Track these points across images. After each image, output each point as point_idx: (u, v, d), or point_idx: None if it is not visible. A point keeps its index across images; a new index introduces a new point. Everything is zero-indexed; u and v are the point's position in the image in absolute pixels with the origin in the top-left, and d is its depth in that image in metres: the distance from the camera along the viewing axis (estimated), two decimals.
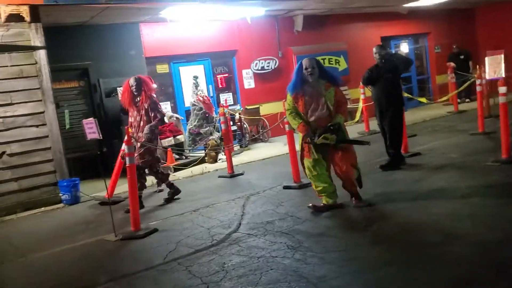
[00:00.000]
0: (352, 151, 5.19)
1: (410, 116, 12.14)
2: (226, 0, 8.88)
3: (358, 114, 11.20)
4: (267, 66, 12.06)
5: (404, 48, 15.15)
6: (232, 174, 7.90)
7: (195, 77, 10.10)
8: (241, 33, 11.51)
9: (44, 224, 6.27)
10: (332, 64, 13.01)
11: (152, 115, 6.30)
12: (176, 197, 6.65)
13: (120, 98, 6.72)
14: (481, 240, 3.84)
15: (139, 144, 6.17)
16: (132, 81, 6.34)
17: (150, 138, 6.25)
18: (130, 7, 8.11)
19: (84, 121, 5.31)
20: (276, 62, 12.15)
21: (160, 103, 9.51)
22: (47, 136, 7.13)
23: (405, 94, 9.09)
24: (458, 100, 12.72)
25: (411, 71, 15.10)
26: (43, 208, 7.02)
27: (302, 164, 5.32)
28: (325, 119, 4.99)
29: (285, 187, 6.57)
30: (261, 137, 11.27)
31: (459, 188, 5.42)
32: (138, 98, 6.34)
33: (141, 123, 6.31)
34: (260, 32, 11.76)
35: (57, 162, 7.18)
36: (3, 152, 6.89)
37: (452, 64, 13.33)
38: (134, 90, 6.31)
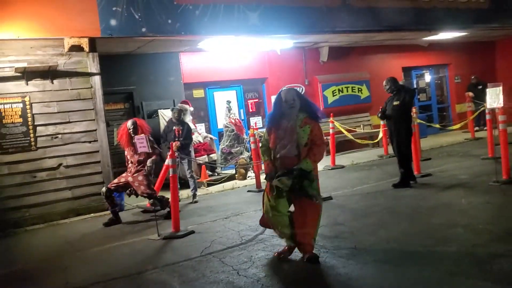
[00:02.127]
0: (315, 207, 4.48)
1: (429, 142, 12.82)
2: (258, 34, 9.84)
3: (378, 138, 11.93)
4: None
5: (427, 78, 15.88)
6: (260, 189, 8.70)
7: (228, 102, 11.06)
8: (271, 62, 12.48)
9: (95, 227, 7.18)
10: (355, 92, 13.82)
11: (151, 151, 6.97)
12: (208, 206, 7.50)
13: (118, 139, 7.44)
14: (469, 243, 4.55)
15: (140, 177, 7.03)
16: (129, 124, 7.13)
17: (151, 170, 7.13)
18: (173, 39, 9.17)
19: (136, 137, 6.31)
20: (302, 89, 13.02)
21: (196, 125, 10.54)
22: (97, 151, 8.14)
23: (420, 121, 9.83)
24: (476, 128, 13.31)
25: (432, 99, 15.82)
26: (92, 214, 7.97)
27: (263, 198, 4.77)
28: (291, 160, 4.43)
29: None
30: None
31: (460, 204, 6.12)
32: (135, 140, 6.91)
33: (136, 160, 7.11)
34: (289, 61, 12.71)
35: (105, 174, 8.15)
36: (60, 164, 7.90)
37: (470, 93, 13.98)
38: (131, 131, 7.08)
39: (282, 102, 4.50)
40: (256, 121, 12.22)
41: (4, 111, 7.54)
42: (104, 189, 7.14)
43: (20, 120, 7.63)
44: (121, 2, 8.06)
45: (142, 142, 6.30)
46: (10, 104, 7.58)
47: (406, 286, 3.78)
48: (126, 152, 7.30)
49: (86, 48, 7.93)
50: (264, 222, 4.97)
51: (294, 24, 10.13)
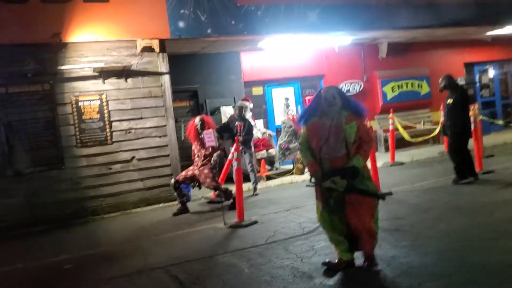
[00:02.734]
0: (369, 202, 4.22)
1: (492, 139, 12.53)
2: (317, 31, 10.06)
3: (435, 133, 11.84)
4: (353, 89, 13.03)
5: (490, 73, 15.42)
6: None
7: (286, 99, 11.36)
8: (329, 59, 12.64)
9: (165, 215, 7.72)
10: (414, 88, 13.71)
11: (217, 146, 7.49)
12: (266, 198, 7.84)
13: (186, 134, 8.00)
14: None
15: (206, 170, 7.45)
16: (197, 120, 7.61)
17: (216, 163, 7.53)
18: (235, 40, 9.58)
19: (205, 131, 6.78)
20: (361, 85, 13.09)
21: (255, 121, 10.91)
22: (167, 145, 8.70)
23: (482, 117, 9.70)
24: None
25: (495, 95, 15.36)
26: (161, 204, 8.54)
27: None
28: (341, 160, 4.15)
29: None
30: None
31: None
32: (202, 135, 7.48)
33: (203, 154, 7.54)
34: (346, 58, 12.81)
35: (174, 167, 8.69)
36: (133, 157, 8.52)
37: None
38: (198, 128, 7.55)
39: (321, 100, 4.27)
40: None
41: (84, 108, 8.23)
42: (172, 180, 7.66)
43: (98, 116, 8.30)
44: (189, 5, 8.56)
45: (210, 137, 6.76)
46: (89, 101, 8.26)
47: (470, 272, 3.92)
48: (193, 147, 7.77)
49: (157, 49, 8.49)
50: (331, 265, 4.49)
51: (352, 21, 10.29)
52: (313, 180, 4.31)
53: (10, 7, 7.58)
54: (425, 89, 13.86)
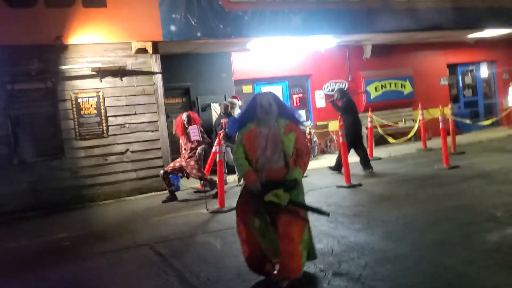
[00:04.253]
0: (303, 219, 3.92)
1: (471, 137, 13.27)
2: (301, 34, 10.79)
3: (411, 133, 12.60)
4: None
5: (473, 74, 16.16)
6: None
7: None
8: (315, 60, 13.36)
9: (155, 203, 8.50)
10: (398, 87, 14.42)
11: (201, 140, 8.19)
12: None
13: (174, 129, 8.74)
14: (463, 221, 5.37)
15: (192, 162, 8.18)
16: (184, 116, 8.30)
17: (201, 155, 8.26)
18: (222, 42, 10.33)
19: (190, 127, 7.57)
20: (346, 84, 13.81)
21: None
22: (158, 139, 9.48)
23: (452, 117, 10.46)
24: None
25: (478, 95, 16.10)
26: (153, 192, 9.32)
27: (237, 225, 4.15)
28: (279, 171, 3.92)
29: (338, 186, 8.28)
30: (329, 150, 12.99)
31: (472, 191, 6.86)
32: (188, 130, 8.16)
33: (189, 147, 8.25)
34: (332, 59, 13.53)
35: (165, 159, 9.46)
36: (127, 149, 9.29)
37: None
38: (185, 123, 8.26)
39: (257, 107, 3.97)
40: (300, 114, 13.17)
41: (82, 104, 8.99)
42: (161, 171, 8.43)
43: (95, 111, 9.07)
44: (180, 10, 9.31)
45: (194, 132, 7.56)
46: (87, 98, 9.03)
47: (403, 248, 4.66)
48: (180, 140, 8.53)
49: (150, 51, 9.25)
50: (253, 262, 4.09)
51: (335, 25, 11.02)
52: (242, 181, 4.12)
53: (18, 11, 8.36)
54: (408, 88, 14.57)
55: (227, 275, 4.45)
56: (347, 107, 9.62)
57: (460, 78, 16.00)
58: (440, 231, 5.11)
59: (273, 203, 3.81)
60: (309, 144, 12.36)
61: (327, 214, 4.08)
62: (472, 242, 4.66)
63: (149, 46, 9.20)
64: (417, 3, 11.87)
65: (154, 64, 9.41)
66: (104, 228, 6.95)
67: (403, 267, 4.16)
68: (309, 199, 7.30)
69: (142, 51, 9.23)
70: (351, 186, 8.16)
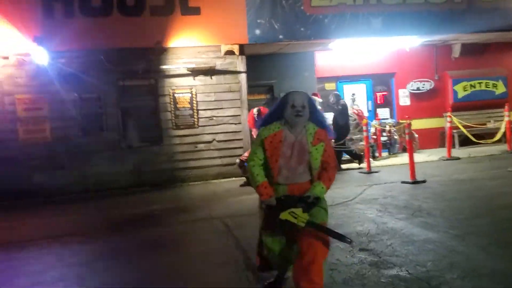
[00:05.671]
0: (326, 242, 3.39)
1: None
2: (380, 36, 11.26)
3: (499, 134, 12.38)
4: (422, 87, 13.89)
5: None
6: (369, 171, 10.28)
7: (353, 94, 12.73)
8: (400, 58, 13.61)
9: (234, 186, 9.69)
10: (489, 87, 14.11)
11: None
12: None
13: (247, 121, 9.69)
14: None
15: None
16: (255, 110, 9.07)
17: None
18: (305, 43, 11.19)
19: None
20: (431, 84, 13.88)
21: (325, 113, 12.39)
22: (240, 131, 10.70)
23: None
24: None
25: None
26: (234, 178, 10.53)
27: (260, 238, 3.81)
28: (302, 186, 3.48)
29: (402, 182, 8.77)
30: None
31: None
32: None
33: None
34: (418, 57, 13.67)
35: (245, 148, 10.60)
36: (214, 139, 10.59)
37: None
38: (255, 116, 9.04)
39: (287, 106, 3.47)
40: (383, 112, 13.60)
41: (178, 99, 10.45)
42: (237, 160, 9.55)
43: (188, 105, 10.48)
44: (265, 16, 10.35)
45: None
46: (183, 94, 10.47)
47: (432, 236, 5.23)
48: (252, 132, 9.58)
49: (237, 53, 10.44)
50: (264, 265, 3.94)
51: (418, 26, 11.31)
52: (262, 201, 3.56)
53: (128, 19, 9.99)
54: (500, 88, 14.17)
55: None
56: (342, 111, 10.87)
57: None
58: (478, 228, 5.48)
59: (289, 222, 3.32)
60: (388, 141, 12.83)
61: (349, 241, 3.39)
62: None
63: (236, 49, 10.39)
64: (506, 1, 11.67)
65: (239, 64, 10.59)
66: (188, 203, 8.29)
67: (420, 249, 4.79)
68: (370, 192, 8.03)
69: (230, 53, 10.44)
70: (415, 182, 8.60)
